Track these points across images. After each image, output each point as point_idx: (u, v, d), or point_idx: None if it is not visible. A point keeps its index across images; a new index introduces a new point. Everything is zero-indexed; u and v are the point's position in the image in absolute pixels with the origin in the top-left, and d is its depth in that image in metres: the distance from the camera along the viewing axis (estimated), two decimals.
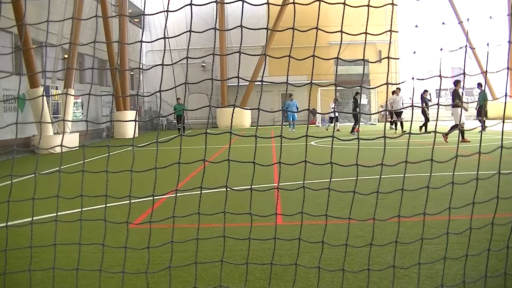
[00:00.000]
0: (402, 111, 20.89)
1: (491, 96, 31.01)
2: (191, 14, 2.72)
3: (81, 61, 23.21)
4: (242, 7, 2.66)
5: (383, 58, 3.01)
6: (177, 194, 3.11)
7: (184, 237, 3.45)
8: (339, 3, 2.72)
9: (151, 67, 3.14)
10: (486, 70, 3.20)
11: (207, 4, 2.97)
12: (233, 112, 2.85)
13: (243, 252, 4.15)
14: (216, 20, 2.94)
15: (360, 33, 2.93)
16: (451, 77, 3.06)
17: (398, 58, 32.60)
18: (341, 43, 2.83)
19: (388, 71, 2.73)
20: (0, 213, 4.46)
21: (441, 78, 2.89)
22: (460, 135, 11.56)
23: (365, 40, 2.81)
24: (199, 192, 2.86)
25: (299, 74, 24.69)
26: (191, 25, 2.72)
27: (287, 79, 2.77)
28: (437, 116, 2.87)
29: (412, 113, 2.84)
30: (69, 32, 17.90)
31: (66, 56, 20.01)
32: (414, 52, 3.73)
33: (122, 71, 24.15)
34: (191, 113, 31.05)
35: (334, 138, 2.80)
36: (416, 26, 20.11)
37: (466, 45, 2.94)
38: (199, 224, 2.88)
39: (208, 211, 3.21)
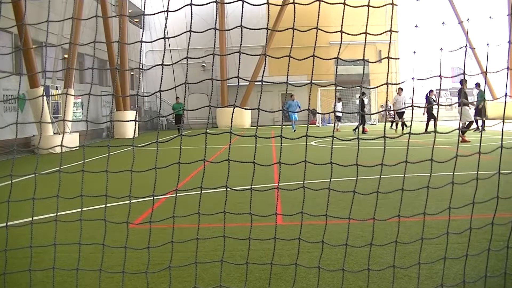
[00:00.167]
0: (404, 112, 20.81)
1: (491, 96, 31.02)
2: (191, 14, 2.72)
3: (81, 61, 23.22)
4: (242, 7, 2.66)
5: (383, 58, 3.01)
6: (177, 194, 3.11)
7: (184, 237, 3.45)
8: (339, 3, 2.72)
9: (151, 67, 3.14)
10: (486, 70, 3.20)
11: (207, 4, 2.97)
12: (233, 112, 2.85)
13: (243, 252, 4.15)
14: (216, 20, 2.94)
15: (360, 33, 2.93)
16: (451, 77, 3.05)
17: (398, 58, 32.59)
18: (341, 43, 2.84)
19: (388, 71, 2.74)
20: (0, 213, 4.46)
21: (441, 78, 2.89)
22: (461, 132, 11.52)
23: (365, 40, 2.81)
24: (199, 192, 2.86)
25: (299, 74, 24.65)
26: (191, 25, 2.72)
27: (287, 79, 2.77)
28: (437, 116, 2.87)
29: (412, 113, 2.84)
30: (69, 32, 17.89)
31: (66, 56, 20.01)
32: (414, 52, 3.72)
33: (122, 71, 24.14)
34: (191, 113, 31.04)
35: (334, 138, 2.80)
36: (416, 26, 20.05)
37: (466, 45, 2.94)
38: (199, 224, 2.88)
39: (208, 211, 3.20)
